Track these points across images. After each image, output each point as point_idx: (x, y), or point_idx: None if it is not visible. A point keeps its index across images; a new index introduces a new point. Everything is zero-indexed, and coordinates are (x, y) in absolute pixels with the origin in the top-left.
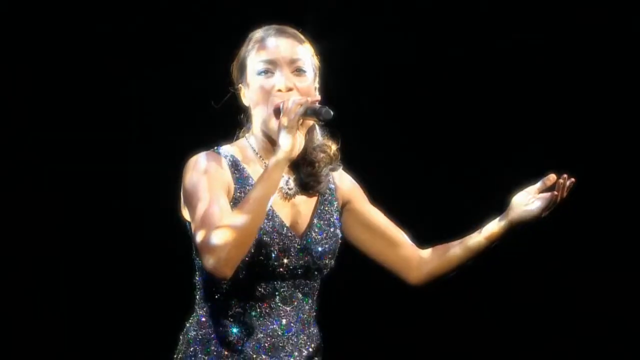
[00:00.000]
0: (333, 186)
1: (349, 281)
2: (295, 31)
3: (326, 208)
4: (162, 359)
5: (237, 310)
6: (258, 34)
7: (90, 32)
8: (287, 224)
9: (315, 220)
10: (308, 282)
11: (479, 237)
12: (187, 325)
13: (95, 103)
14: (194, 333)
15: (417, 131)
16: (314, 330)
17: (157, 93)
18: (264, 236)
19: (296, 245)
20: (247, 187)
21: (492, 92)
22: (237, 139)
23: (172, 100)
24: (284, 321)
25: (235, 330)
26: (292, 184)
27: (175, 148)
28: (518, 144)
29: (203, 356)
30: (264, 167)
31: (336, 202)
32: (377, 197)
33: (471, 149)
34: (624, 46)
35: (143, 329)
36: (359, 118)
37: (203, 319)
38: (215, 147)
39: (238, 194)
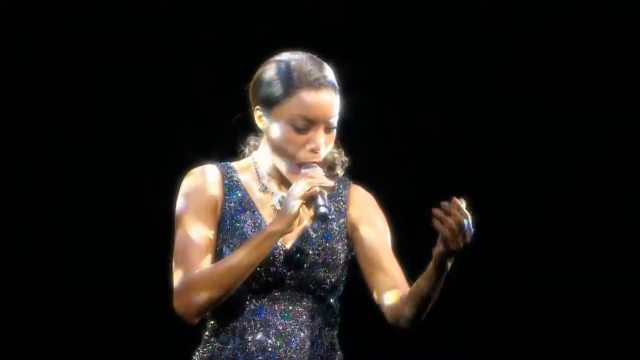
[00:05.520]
0: (342, 203)
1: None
2: (331, 72)
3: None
4: None
5: (236, 324)
6: (297, 75)
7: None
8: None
9: (309, 232)
10: (307, 295)
11: (427, 269)
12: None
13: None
14: (198, 353)
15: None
16: (332, 354)
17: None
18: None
19: (282, 253)
20: (233, 195)
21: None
22: (243, 155)
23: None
24: (285, 333)
25: (236, 341)
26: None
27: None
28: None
29: None
30: (259, 185)
31: (343, 219)
32: None
33: None
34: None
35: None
36: None
37: (206, 338)
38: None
39: (227, 204)
